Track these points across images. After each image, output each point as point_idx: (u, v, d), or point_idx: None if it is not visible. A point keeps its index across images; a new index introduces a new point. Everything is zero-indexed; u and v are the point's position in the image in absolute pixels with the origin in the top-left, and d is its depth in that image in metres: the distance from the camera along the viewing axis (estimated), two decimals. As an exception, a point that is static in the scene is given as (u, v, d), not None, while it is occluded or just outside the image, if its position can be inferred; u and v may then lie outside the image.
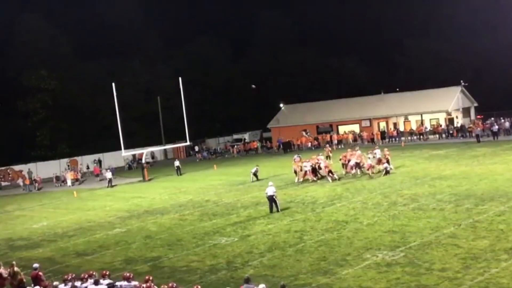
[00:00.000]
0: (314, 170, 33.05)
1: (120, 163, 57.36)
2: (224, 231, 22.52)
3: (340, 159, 34.83)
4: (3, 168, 54.73)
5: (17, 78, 61.04)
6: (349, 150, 36.46)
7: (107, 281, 14.22)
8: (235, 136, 68.84)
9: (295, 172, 33.64)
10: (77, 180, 49.25)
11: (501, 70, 69.78)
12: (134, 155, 56.74)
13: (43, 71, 61.57)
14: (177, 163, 45.86)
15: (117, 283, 13.97)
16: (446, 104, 54.55)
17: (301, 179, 33.05)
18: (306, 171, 32.96)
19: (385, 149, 35.23)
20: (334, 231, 20.38)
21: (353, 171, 32.77)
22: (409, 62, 77.97)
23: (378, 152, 34.53)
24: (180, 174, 44.69)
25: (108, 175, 42.46)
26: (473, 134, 47.41)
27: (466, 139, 48.68)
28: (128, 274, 14.14)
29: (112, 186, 41.91)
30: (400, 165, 34.81)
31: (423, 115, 56.06)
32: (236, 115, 77.84)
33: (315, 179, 32.67)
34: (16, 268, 16.68)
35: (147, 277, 13.79)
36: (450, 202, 22.92)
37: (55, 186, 48.31)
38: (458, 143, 45.83)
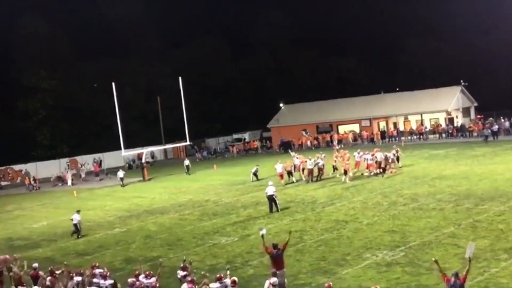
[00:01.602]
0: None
1: (120, 163, 57.30)
2: (224, 230, 22.54)
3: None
4: (3, 168, 54.76)
5: (17, 78, 61.00)
6: (342, 151, 36.19)
7: (109, 281, 14.37)
8: (235, 136, 68.83)
9: (290, 173, 33.43)
10: (77, 180, 49.28)
11: (501, 70, 69.70)
12: (137, 154, 56.64)
13: (43, 71, 61.51)
14: (186, 162, 46.23)
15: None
16: (446, 104, 54.50)
17: (287, 180, 32.93)
18: (309, 170, 32.93)
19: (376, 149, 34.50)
20: (334, 231, 20.39)
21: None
22: (409, 62, 77.86)
23: (379, 156, 34.01)
24: (189, 173, 44.83)
25: (120, 174, 42.55)
26: (476, 134, 47.42)
27: (466, 138, 48.66)
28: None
29: (124, 185, 41.92)
30: (400, 165, 34.77)
31: (423, 115, 55.99)
32: (236, 115, 77.73)
33: (308, 179, 32.71)
34: (16, 269, 16.68)
35: (147, 273, 13.96)
36: (450, 202, 22.93)
37: (55, 186, 48.33)
38: (458, 143, 45.81)
